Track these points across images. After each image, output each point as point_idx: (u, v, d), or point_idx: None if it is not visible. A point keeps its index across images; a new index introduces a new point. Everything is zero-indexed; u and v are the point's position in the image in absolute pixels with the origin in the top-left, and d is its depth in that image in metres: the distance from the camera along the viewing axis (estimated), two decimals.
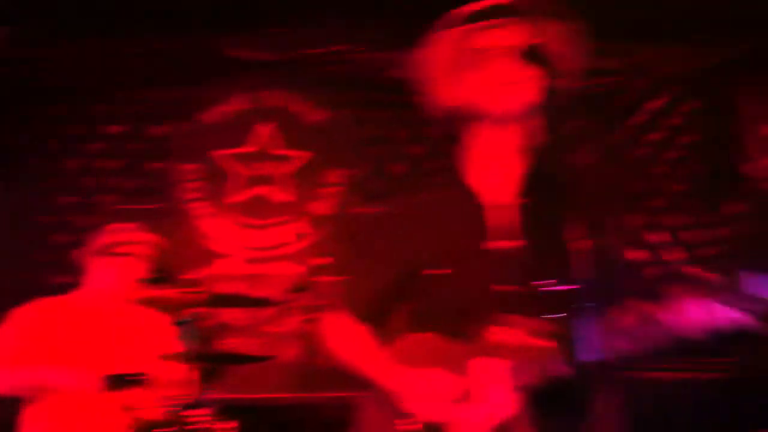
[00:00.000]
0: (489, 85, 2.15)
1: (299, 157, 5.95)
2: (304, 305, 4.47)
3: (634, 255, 6.02)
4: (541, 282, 1.78)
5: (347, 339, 2.33)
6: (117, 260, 4.33)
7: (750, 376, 5.56)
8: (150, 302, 4.28)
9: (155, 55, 5.80)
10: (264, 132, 5.95)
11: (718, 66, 6.05)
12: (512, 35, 2.17)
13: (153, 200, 5.74)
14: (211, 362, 4.13)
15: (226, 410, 4.10)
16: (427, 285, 2.24)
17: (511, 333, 2.00)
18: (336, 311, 2.40)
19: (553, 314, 1.88)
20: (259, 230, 5.79)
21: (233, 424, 4.04)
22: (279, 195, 5.88)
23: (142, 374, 3.95)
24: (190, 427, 3.83)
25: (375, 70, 5.89)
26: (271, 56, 5.85)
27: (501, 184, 2.23)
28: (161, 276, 4.83)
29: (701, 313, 1.87)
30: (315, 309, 4.37)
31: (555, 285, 1.76)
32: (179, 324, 4.00)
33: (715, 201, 6.13)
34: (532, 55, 2.12)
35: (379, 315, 2.36)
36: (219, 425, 3.97)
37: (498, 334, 2.02)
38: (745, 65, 6.02)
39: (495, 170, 2.24)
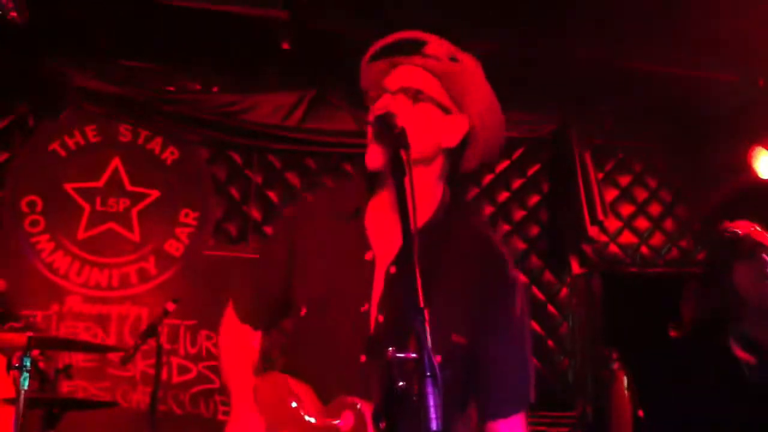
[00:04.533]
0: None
1: (149, 194, 5.83)
2: (151, 348, 4.38)
3: None
4: (395, 351, 1.81)
5: (229, 350, 2.31)
6: None
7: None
8: None
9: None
10: (113, 167, 5.81)
11: (560, 132, 6.45)
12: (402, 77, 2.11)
13: None
14: (51, 407, 4.00)
15: None
16: (299, 325, 2.19)
17: (350, 421, 2.00)
18: (232, 310, 2.34)
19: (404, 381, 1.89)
20: (104, 269, 5.61)
21: None
22: (126, 233, 5.73)
23: None
24: None
25: (230, 112, 5.91)
26: (125, 91, 5.75)
27: (387, 244, 2.10)
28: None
29: None
30: (162, 353, 4.30)
31: (406, 354, 1.80)
32: (17, 367, 3.84)
33: (560, 260, 6.47)
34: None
35: (266, 324, 2.33)
36: None
37: (342, 418, 2.01)
38: (582, 133, 6.46)
39: (390, 227, 2.08)
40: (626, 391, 5.78)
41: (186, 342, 5.56)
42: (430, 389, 1.75)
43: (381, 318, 2.07)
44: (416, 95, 2.07)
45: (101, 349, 5.13)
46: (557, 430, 6.04)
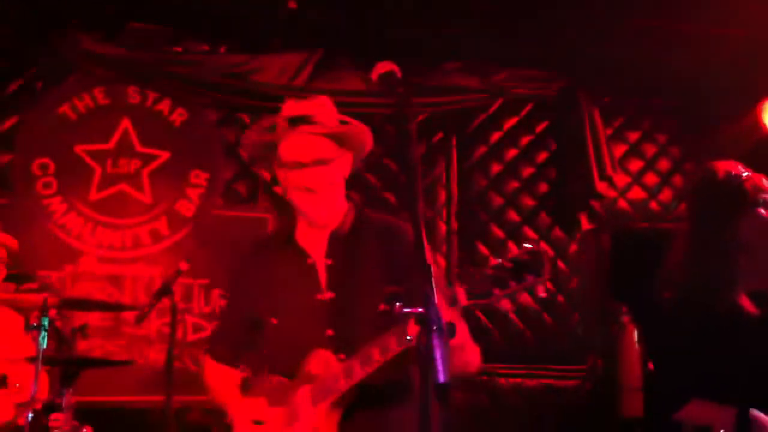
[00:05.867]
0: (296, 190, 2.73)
1: (159, 156, 5.86)
2: (165, 307, 4.45)
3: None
4: (393, 305, 1.91)
5: (214, 378, 2.97)
6: None
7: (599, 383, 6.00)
8: (4, 303, 4.17)
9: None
10: (123, 129, 5.83)
11: (568, 89, 6.43)
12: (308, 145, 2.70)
13: (3, 195, 5.52)
14: (68, 365, 4.08)
15: (83, 414, 4.07)
16: (269, 331, 2.78)
17: (319, 363, 2.59)
18: (210, 357, 3.00)
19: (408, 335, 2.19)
20: (116, 229, 5.66)
21: (89, 429, 4.02)
22: (137, 194, 5.77)
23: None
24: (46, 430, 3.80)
25: (237, 73, 5.90)
26: (132, 53, 5.75)
27: (318, 247, 2.79)
28: (15, 276, 4.72)
29: None
30: (177, 312, 4.36)
31: (413, 308, 1.88)
32: (35, 326, 3.92)
33: (569, 216, 6.50)
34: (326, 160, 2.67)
35: (239, 359, 2.95)
36: (75, 430, 3.94)
37: (311, 365, 2.61)
38: (591, 91, 6.44)
39: (315, 235, 2.80)
40: (636, 345, 5.83)
41: (200, 300, 5.64)
42: (436, 342, 1.80)
43: (334, 296, 2.71)
44: (324, 161, 2.68)
45: (116, 308, 5.20)
46: (567, 383, 6.13)
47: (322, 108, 2.78)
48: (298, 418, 2.59)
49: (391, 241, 2.76)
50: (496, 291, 2.11)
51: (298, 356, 2.65)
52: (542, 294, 2.11)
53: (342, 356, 2.56)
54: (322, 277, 2.75)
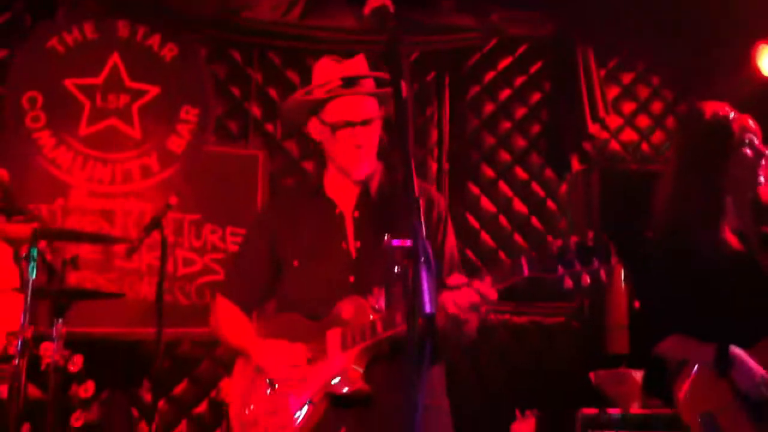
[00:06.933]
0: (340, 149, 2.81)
1: (149, 91, 5.79)
2: (156, 241, 4.48)
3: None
4: (387, 240, 1.93)
5: (228, 320, 2.97)
6: None
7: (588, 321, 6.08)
8: None
9: None
10: (113, 63, 5.77)
11: (563, 30, 6.38)
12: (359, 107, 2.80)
13: None
14: (59, 297, 4.11)
15: (73, 344, 4.11)
16: (294, 274, 2.86)
17: (351, 309, 2.67)
18: (222, 296, 3.02)
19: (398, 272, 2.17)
20: (106, 164, 5.63)
21: (79, 358, 4.06)
22: (127, 129, 5.73)
23: None
24: (37, 360, 3.84)
25: (229, 9, 5.82)
26: None
27: (346, 200, 2.90)
28: (5, 209, 4.71)
29: None
30: (167, 246, 4.40)
31: (402, 241, 1.91)
32: (25, 257, 3.94)
33: (560, 157, 6.50)
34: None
35: (254, 303, 3.01)
36: (65, 359, 3.99)
37: (342, 311, 2.69)
38: (587, 31, 6.39)
39: (345, 188, 2.91)
40: (622, 284, 5.90)
41: (191, 235, 5.65)
42: (423, 274, 1.83)
43: (359, 244, 2.81)
44: (371, 120, 2.80)
45: (106, 240, 5.22)
46: (555, 319, 6.21)
47: (365, 68, 2.89)
48: (325, 358, 2.68)
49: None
50: (560, 268, 2.33)
51: (321, 300, 2.75)
52: (604, 279, 2.35)
53: (373, 303, 2.67)
54: (350, 227, 2.85)
